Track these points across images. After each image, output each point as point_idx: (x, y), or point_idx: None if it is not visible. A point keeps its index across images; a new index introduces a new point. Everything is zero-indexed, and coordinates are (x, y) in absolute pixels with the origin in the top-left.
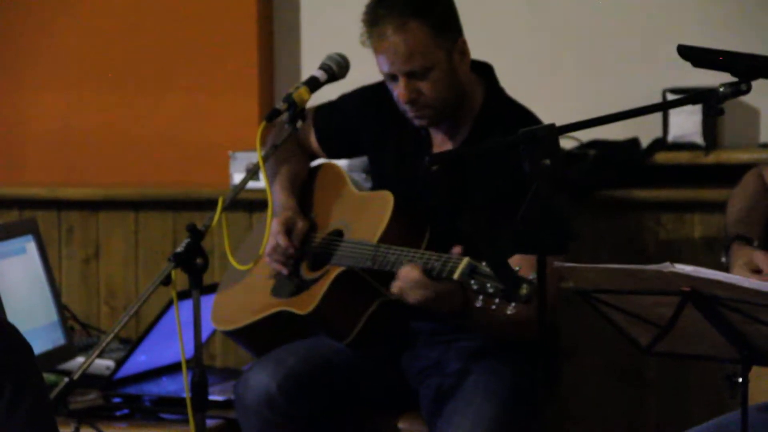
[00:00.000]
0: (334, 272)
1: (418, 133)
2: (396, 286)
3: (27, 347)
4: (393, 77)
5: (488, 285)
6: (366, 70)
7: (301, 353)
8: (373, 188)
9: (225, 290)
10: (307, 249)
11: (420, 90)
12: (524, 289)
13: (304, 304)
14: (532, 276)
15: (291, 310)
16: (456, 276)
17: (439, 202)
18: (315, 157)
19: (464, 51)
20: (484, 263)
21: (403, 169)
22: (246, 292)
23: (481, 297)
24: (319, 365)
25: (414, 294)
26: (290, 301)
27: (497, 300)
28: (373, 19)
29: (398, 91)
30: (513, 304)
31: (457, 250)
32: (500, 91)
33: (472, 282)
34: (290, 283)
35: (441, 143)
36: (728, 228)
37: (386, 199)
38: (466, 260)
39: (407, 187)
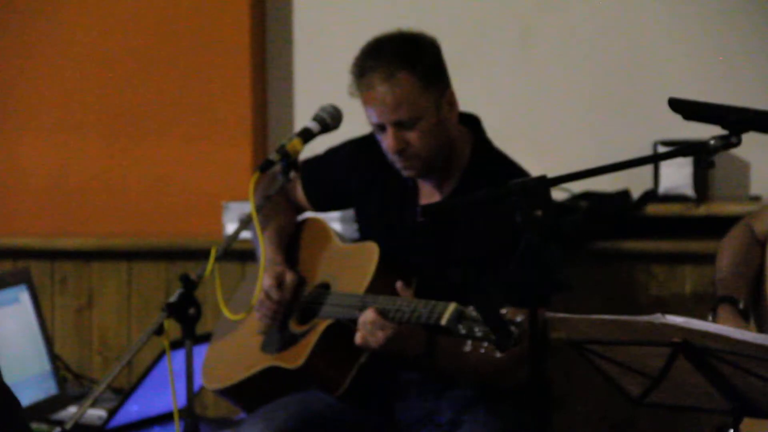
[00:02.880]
0: (323, 325)
1: (405, 184)
2: (358, 337)
3: (15, 405)
4: (381, 127)
5: (476, 329)
6: (358, 121)
7: (291, 409)
8: (360, 239)
9: (215, 346)
10: (295, 303)
11: (408, 140)
12: (514, 332)
13: (294, 359)
14: (519, 318)
15: (281, 365)
16: (444, 322)
17: (425, 253)
18: (302, 210)
19: (452, 102)
20: (471, 308)
21: (389, 221)
22: (235, 348)
23: (469, 342)
24: (310, 420)
25: (374, 338)
26: (279, 356)
27: (486, 344)
28: (362, 70)
29: (386, 141)
30: (502, 348)
31: (398, 285)
32: (488, 144)
33: (460, 326)
34: (279, 339)
35: (428, 195)
36: (716, 285)
37: (371, 251)
38: (453, 306)
39: (394, 237)
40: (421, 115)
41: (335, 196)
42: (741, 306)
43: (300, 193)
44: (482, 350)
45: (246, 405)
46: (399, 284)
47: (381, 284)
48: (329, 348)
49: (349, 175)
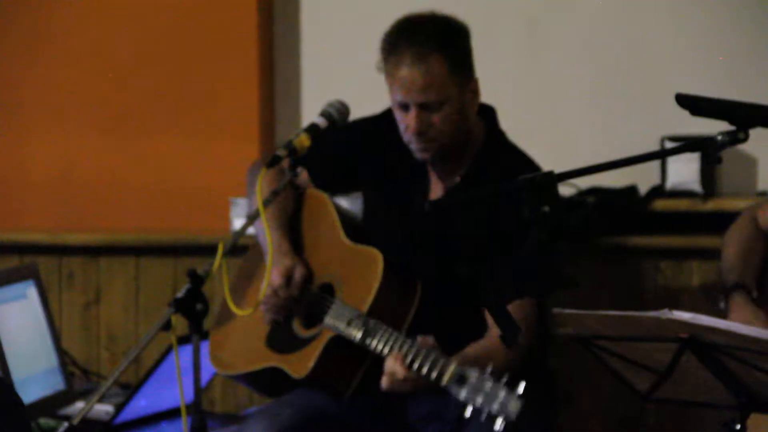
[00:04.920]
0: (327, 336)
1: (416, 167)
2: (385, 382)
3: (17, 403)
4: (405, 107)
5: (477, 399)
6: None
7: (297, 405)
8: (365, 223)
9: (221, 328)
10: (301, 299)
11: (430, 122)
12: (514, 406)
13: (299, 367)
14: (519, 391)
15: (285, 370)
16: (444, 382)
17: (429, 241)
18: (302, 189)
19: (476, 91)
20: (471, 371)
21: (397, 204)
22: (242, 335)
23: (470, 409)
24: (316, 418)
25: (403, 387)
26: (285, 359)
27: (487, 411)
28: (393, 48)
29: (408, 121)
30: (501, 419)
31: (421, 340)
32: (501, 134)
33: (462, 391)
34: (284, 336)
35: (438, 179)
36: (725, 273)
37: (376, 261)
38: (453, 367)
39: (400, 222)
40: (447, 100)
41: (340, 178)
42: (754, 295)
43: (303, 173)
44: (482, 419)
45: (255, 388)
46: (421, 340)
47: (385, 298)
48: (333, 358)
49: (355, 158)
